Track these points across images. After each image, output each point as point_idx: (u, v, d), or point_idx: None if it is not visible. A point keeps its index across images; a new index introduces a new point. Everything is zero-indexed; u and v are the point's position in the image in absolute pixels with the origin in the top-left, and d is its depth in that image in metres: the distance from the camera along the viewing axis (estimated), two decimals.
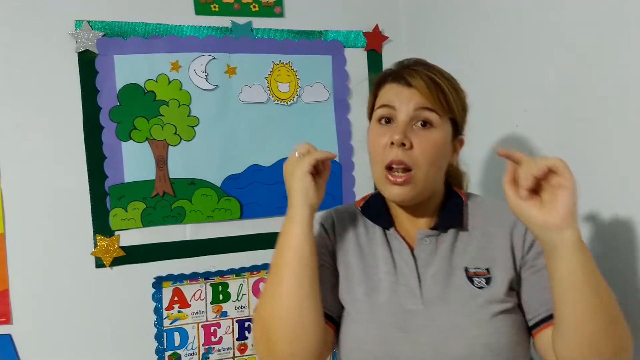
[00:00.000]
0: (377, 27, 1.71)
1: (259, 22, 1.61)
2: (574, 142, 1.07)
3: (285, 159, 1.59)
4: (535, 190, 0.76)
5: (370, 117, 0.98)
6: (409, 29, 1.73)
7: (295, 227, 0.89)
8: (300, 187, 0.89)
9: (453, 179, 1.04)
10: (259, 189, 1.61)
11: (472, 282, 0.89)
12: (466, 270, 0.90)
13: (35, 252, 1.43)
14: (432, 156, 0.89)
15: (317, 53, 1.66)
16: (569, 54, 1.07)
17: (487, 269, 0.90)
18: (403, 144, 0.87)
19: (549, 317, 0.84)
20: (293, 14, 1.65)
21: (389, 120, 0.91)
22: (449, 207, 0.96)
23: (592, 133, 1.03)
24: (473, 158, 1.37)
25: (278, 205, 1.62)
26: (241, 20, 1.59)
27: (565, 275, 0.74)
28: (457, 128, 0.95)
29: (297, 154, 0.92)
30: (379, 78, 0.97)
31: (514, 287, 0.89)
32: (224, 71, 1.58)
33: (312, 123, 1.67)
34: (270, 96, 1.62)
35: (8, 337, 1.41)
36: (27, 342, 1.43)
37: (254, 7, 1.61)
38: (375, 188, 0.97)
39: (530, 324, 0.88)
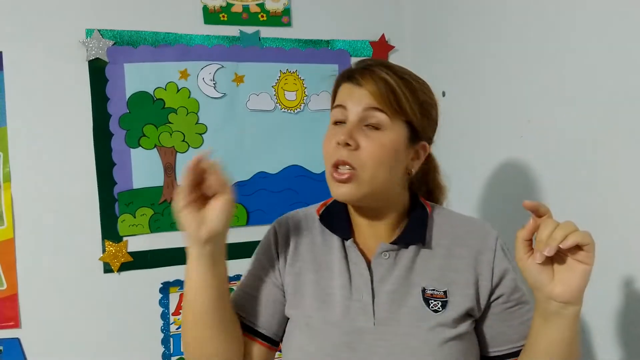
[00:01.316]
0: (383, 36, 1.73)
1: (266, 32, 1.63)
2: (578, 153, 1.08)
3: (291, 166, 1.66)
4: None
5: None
6: (414, 39, 1.74)
7: (191, 264, 0.85)
8: (180, 226, 0.82)
9: (431, 194, 1.01)
10: (265, 196, 1.63)
11: (428, 304, 0.85)
12: (423, 291, 0.86)
13: (44, 257, 1.45)
14: (379, 158, 0.84)
15: (323, 62, 1.68)
16: (575, 63, 1.08)
17: (445, 292, 0.85)
18: (348, 145, 0.83)
19: (514, 354, 0.86)
20: (300, 23, 1.67)
21: (342, 122, 0.88)
22: (412, 221, 0.90)
23: (597, 143, 1.04)
24: (478, 169, 1.38)
25: (284, 212, 1.62)
26: (249, 29, 1.62)
27: (553, 341, 0.76)
28: (416, 132, 0.88)
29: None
30: (337, 77, 0.93)
31: (473, 315, 0.86)
32: (232, 79, 1.60)
33: (318, 131, 1.67)
34: (277, 104, 1.64)
35: (17, 341, 1.43)
36: (35, 346, 1.44)
37: (262, 16, 1.63)
38: None
39: (491, 355, 0.88)
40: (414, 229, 0.89)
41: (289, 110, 1.65)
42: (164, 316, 1.54)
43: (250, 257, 1.60)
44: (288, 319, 0.92)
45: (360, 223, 0.92)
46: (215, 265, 0.86)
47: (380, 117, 0.85)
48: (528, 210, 0.74)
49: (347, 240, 0.90)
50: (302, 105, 1.66)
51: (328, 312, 0.87)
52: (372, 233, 0.91)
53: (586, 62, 1.05)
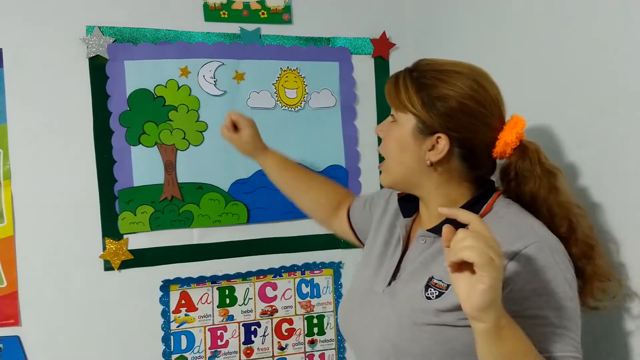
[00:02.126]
0: (384, 34, 1.73)
1: (267, 29, 1.63)
2: (576, 152, 1.08)
3: None
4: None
5: None
6: (416, 36, 1.74)
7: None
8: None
9: (553, 219, 0.91)
10: (266, 194, 1.62)
11: (426, 290, 0.89)
12: (430, 279, 0.90)
13: (44, 255, 1.45)
14: (391, 148, 0.97)
15: (324, 60, 1.68)
16: (575, 62, 1.08)
17: (448, 285, 0.87)
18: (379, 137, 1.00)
19: None
20: (301, 20, 1.66)
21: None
22: None
23: (596, 142, 1.04)
24: None
25: (285, 210, 1.63)
26: (250, 26, 1.61)
27: (479, 355, 0.75)
28: (426, 125, 0.90)
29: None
30: None
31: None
32: (233, 77, 1.59)
33: (319, 129, 1.68)
34: (278, 102, 1.64)
35: (17, 339, 1.43)
36: (35, 344, 1.44)
37: (263, 14, 1.62)
38: None
39: None
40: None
41: (290, 108, 1.65)
42: (165, 314, 1.54)
43: (251, 254, 1.61)
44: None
45: (421, 210, 1.03)
46: (267, 157, 1.38)
47: (393, 112, 0.97)
48: (445, 215, 0.77)
49: (404, 217, 1.05)
50: (303, 103, 1.66)
51: (363, 269, 1.10)
52: (426, 218, 1.00)
53: (586, 60, 1.05)
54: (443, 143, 0.90)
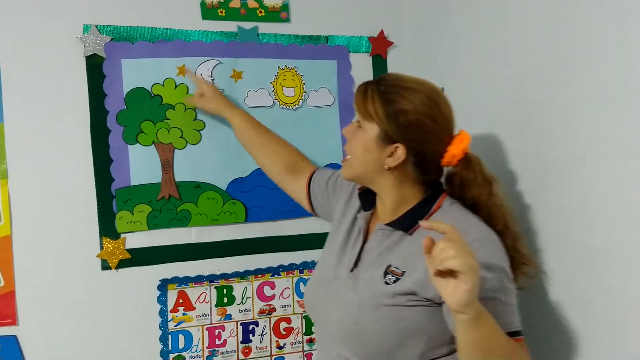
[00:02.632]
0: (382, 32, 1.72)
1: (265, 27, 1.62)
2: (579, 149, 1.08)
3: None
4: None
5: None
6: (414, 35, 1.73)
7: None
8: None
9: (489, 220, 1.06)
10: (264, 193, 1.62)
11: (384, 276, 1.04)
12: (388, 266, 1.05)
13: (41, 254, 1.44)
14: (355, 150, 1.12)
15: (322, 58, 1.67)
16: (577, 59, 1.08)
17: (403, 272, 1.02)
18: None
19: None
20: (299, 19, 1.66)
21: None
22: (411, 211, 1.09)
23: (599, 139, 1.03)
24: None
25: (283, 208, 1.63)
26: (247, 25, 1.61)
27: (460, 340, 0.88)
28: (387, 135, 1.06)
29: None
30: None
31: (419, 297, 0.99)
32: (230, 75, 1.59)
33: (317, 127, 1.68)
34: (276, 100, 1.64)
35: (13, 339, 1.42)
36: (32, 343, 1.44)
37: (260, 12, 1.62)
38: None
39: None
40: (407, 219, 1.09)
41: (288, 107, 1.65)
42: (162, 313, 1.54)
43: (249, 253, 1.61)
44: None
45: (378, 204, 1.18)
46: (234, 113, 1.50)
47: (360, 119, 1.11)
48: (426, 229, 0.86)
49: (365, 211, 1.19)
50: (301, 101, 1.66)
51: (328, 256, 1.23)
52: (381, 213, 1.16)
53: (588, 58, 1.05)
54: (400, 152, 1.06)
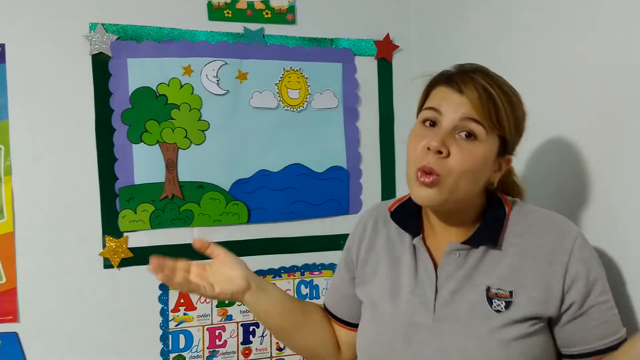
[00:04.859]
0: (388, 36, 1.72)
1: (271, 29, 1.63)
2: (583, 156, 1.08)
3: (293, 164, 1.66)
4: None
5: (417, 116, 0.94)
6: (419, 38, 1.74)
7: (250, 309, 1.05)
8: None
9: (507, 191, 0.98)
10: (266, 194, 1.62)
11: (490, 303, 0.85)
12: (488, 289, 0.86)
13: (44, 252, 1.44)
14: (468, 168, 0.83)
15: (327, 60, 1.67)
16: (582, 65, 1.08)
17: (511, 292, 0.85)
18: (440, 152, 0.83)
19: (588, 355, 0.85)
20: (305, 21, 1.66)
21: (433, 123, 0.87)
22: (487, 221, 0.90)
23: (603, 146, 1.03)
24: None
25: (285, 210, 1.63)
26: (253, 26, 1.61)
27: None
28: (505, 147, 0.88)
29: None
30: (434, 78, 0.93)
31: (541, 318, 0.84)
32: (235, 76, 1.59)
33: (321, 130, 1.68)
34: (280, 102, 1.64)
35: (15, 335, 1.42)
36: (33, 340, 1.44)
37: (267, 13, 1.62)
38: None
39: (563, 353, 0.87)
40: (487, 230, 0.89)
41: (292, 109, 1.65)
42: (163, 313, 1.54)
43: (251, 254, 1.61)
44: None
45: (433, 222, 0.94)
46: (263, 299, 1.01)
47: (477, 128, 0.84)
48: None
49: (415, 237, 0.94)
50: (305, 103, 1.66)
51: (392, 305, 0.93)
52: (444, 230, 0.93)
53: (593, 64, 1.05)
54: (507, 164, 0.92)
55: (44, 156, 1.44)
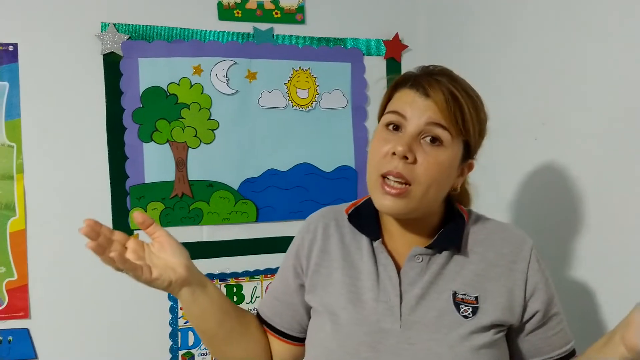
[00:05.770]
0: (397, 35, 1.73)
1: (280, 29, 1.64)
2: (592, 155, 1.08)
3: (302, 164, 1.66)
4: None
5: (379, 118, 0.90)
6: (428, 38, 1.74)
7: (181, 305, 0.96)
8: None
9: (458, 199, 0.95)
10: (275, 193, 1.63)
11: (458, 308, 0.83)
12: (454, 294, 0.84)
13: (55, 249, 1.46)
14: (435, 176, 0.81)
15: (336, 60, 1.68)
16: (590, 65, 1.08)
17: (477, 298, 0.84)
18: (406, 157, 0.80)
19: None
20: (314, 21, 1.67)
21: (397, 127, 0.84)
22: (449, 227, 0.89)
23: (610, 145, 1.03)
24: (490, 171, 1.38)
25: (293, 209, 1.64)
26: (263, 26, 1.62)
27: None
28: (469, 151, 0.86)
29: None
30: (398, 79, 0.89)
31: (504, 324, 0.85)
32: (245, 76, 1.60)
33: (330, 129, 1.68)
34: (289, 102, 1.64)
35: (26, 332, 1.44)
36: (44, 336, 1.46)
37: (276, 13, 1.63)
38: None
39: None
40: (450, 235, 0.87)
41: (301, 108, 1.65)
42: (172, 310, 1.55)
43: (259, 253, 1.62)
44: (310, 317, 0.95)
45: (392, 227, 0.90)
46: (202, 298, 0.89)
47: (442, 134, 0.81)
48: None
49: (375, 240, 0.90)
50: (314, 103, 1.67)
51: (354, 312, 0.86)
52: (404, 236, 0.90)
53: (602, 64, 1.05)
54: (469, 169, 0.90)
55: (55, 155, 1.46)
